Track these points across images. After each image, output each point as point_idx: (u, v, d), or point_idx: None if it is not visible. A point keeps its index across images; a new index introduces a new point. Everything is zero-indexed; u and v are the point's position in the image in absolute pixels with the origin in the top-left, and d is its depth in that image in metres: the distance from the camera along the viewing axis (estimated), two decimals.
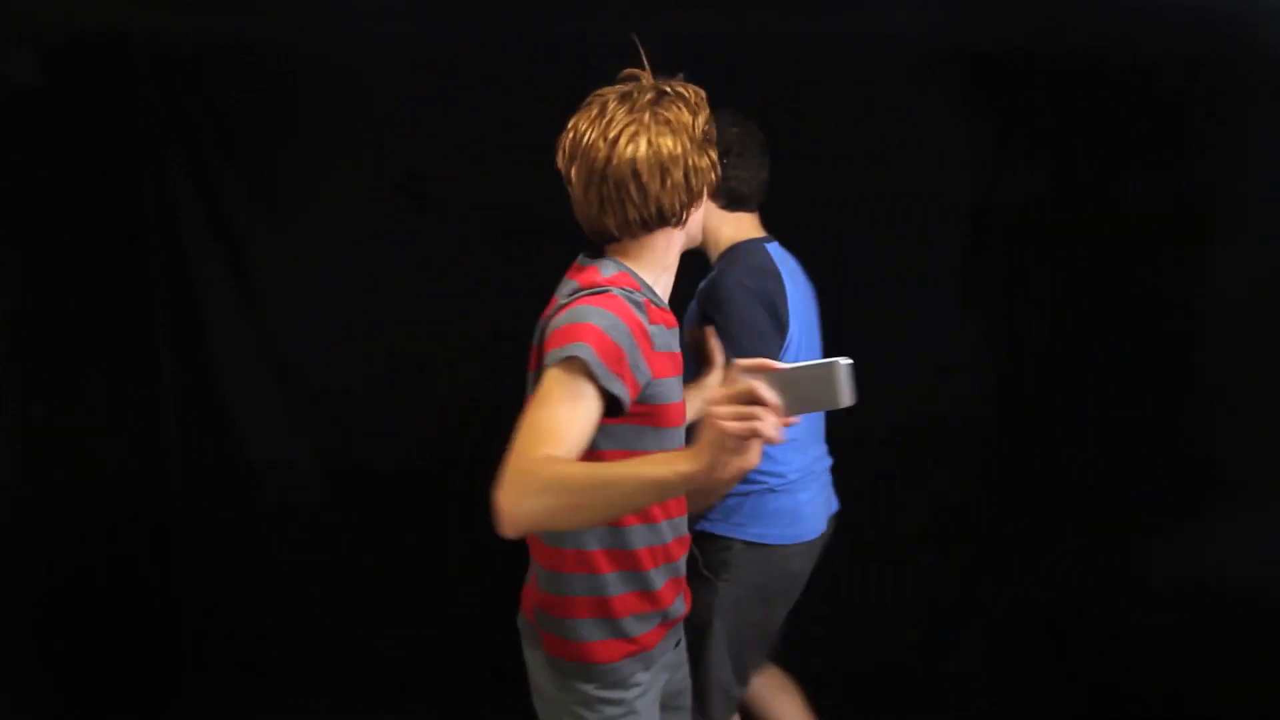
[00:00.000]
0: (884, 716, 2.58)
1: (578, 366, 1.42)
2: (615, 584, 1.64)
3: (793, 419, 1.21)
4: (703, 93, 1.58)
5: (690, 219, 1.62)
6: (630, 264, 1.61)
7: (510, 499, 1.33)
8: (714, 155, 1.59)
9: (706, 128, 1.57)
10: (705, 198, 1.62)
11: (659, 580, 1.65)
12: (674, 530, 1.67)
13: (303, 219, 2.59)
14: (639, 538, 1.63)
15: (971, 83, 2.40)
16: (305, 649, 2.75)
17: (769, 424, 1.18)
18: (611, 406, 1.46)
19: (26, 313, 2.50)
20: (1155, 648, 2.48)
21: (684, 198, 1.57)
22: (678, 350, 1.64)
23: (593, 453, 1.55)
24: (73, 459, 2.56)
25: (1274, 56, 2.22)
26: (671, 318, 1.65)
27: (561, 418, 1.40)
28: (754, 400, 1.19)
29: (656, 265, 1.62)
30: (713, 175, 1.60)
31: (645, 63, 1.58)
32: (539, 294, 1.63)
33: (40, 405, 2.51)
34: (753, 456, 1.21)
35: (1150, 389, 2.46)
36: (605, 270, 1.59)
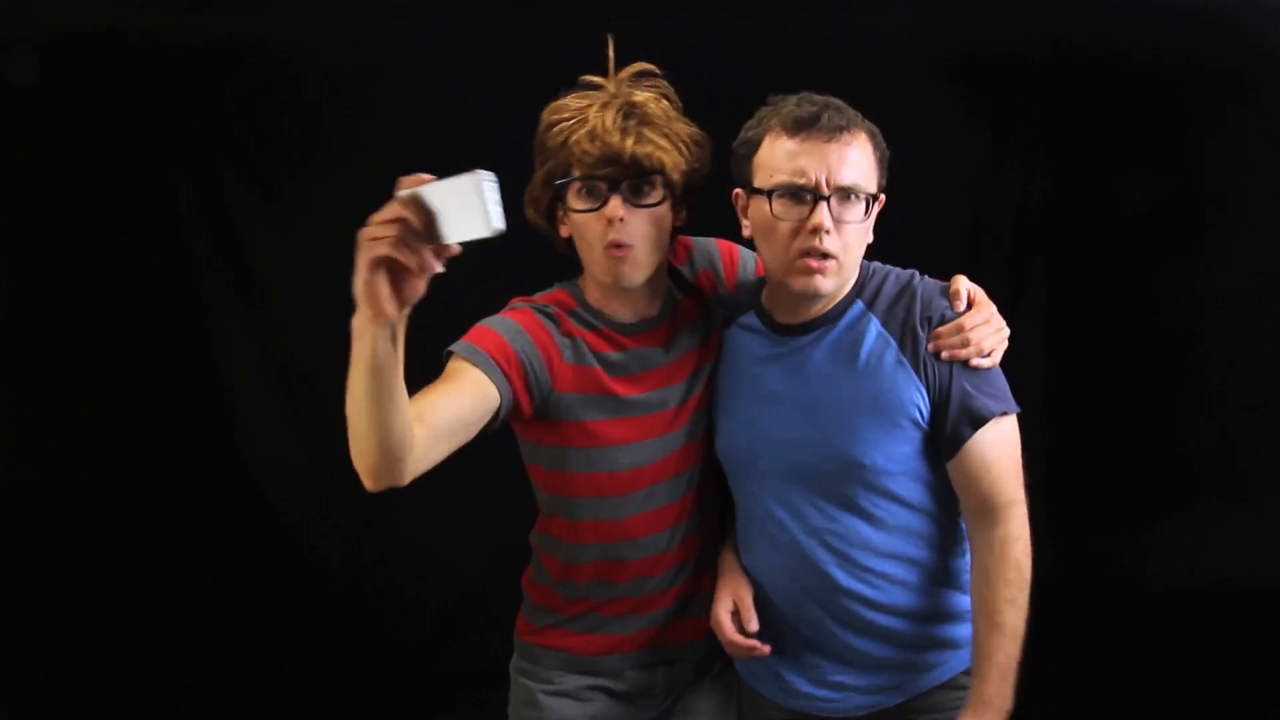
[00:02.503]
0: None
1: (454, 354, 1.46)
2: (538, 567, 1.68)
3: (451, 245, 1.11)
4: (558, 106, 1.50)
5: (573, 231, 1.52)
6: (581, 283, 1.60)
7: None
8: (541, 154, 1.52)
9: (539, 134, 1.51)
10: (561, 220, 1.54)
11: (568, 592, 1.64)
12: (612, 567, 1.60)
13: (304, 218, 2.59)
14: (557, 549, 1.64)
15: (971, 83, 2.40)
16: (306, 649, 2.75)
17: (400, 241, 1.09)
18: (513, 408, 1.46)
19: (26, 312, 2.50)
20: (1155, 648, 2.48)
21: (530, 209, 1.56)
22: (601, 370, 1.55)
23: (529, 467, 1.62)
24: (71, 459, 2.56)
25: (1274, 56, 2.23)
26: (616, 342, 1.56)
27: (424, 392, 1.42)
28: (394, 217, 1.10)
29: (592, 285, 1.57)
30: (536, 186, 1.53)
31: (610, 64, 1.53)
32: None
33: (40, 404, 2.51)
34: (414, 287, 1.13)
35: (1150, 388, 2.46)
36: (548, 290, 1.61)
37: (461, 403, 1.41)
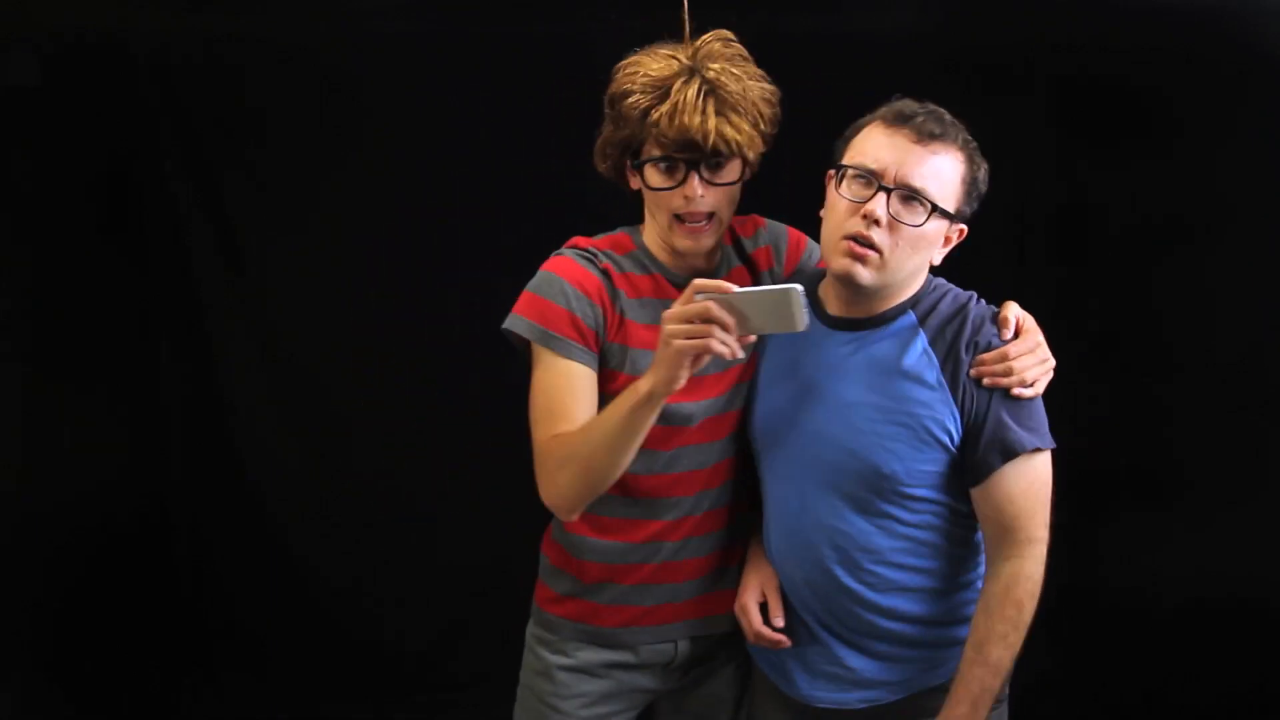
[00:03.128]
0: None
1: (524, 340, 1.50)
2: (556, 523, 1.68)
3: (751, 337, 1.32)
4: (634, 70, 1.50)
5: (643, 190, 1.56)
6: (644, 229, 1.62)
7: (544, 490, 1.46)
8: (616, 117, 1.53)
9: (613, 92, 1.53)
10: (626, 169, 1.58)
11: (585, 550, 1.62)
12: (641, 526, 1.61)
13: (304, 219, 2.59)
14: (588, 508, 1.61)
15: (971, 84, 2.40)
16: (307, 649, 2.75)
17: (719, 340, 1.27)
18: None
19: (26, 313, 2.49)
20: (1155, 648, 2.48)
21: (601, 163, 1.60)
22: (651, 322, 1.57)
23: None
24: (72, 459, 2.56)
25: (1274, 56, 2.23)
26: (665, 291, 1.58)
27: (544, 392, 1.48)
28: (706, 319, 1.27)
29: (653, 235, 1.60)
30: (609, 144, 1.56)
31: (685, 30, 1.55)
32: None
33: (40, 406, 2.51)
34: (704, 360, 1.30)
35: (1149, 389, 2.46)
36: (609, 233, 1.64)
37: (594, 400, 1.51)
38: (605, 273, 1.55)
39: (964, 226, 1.53)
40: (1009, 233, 2.52)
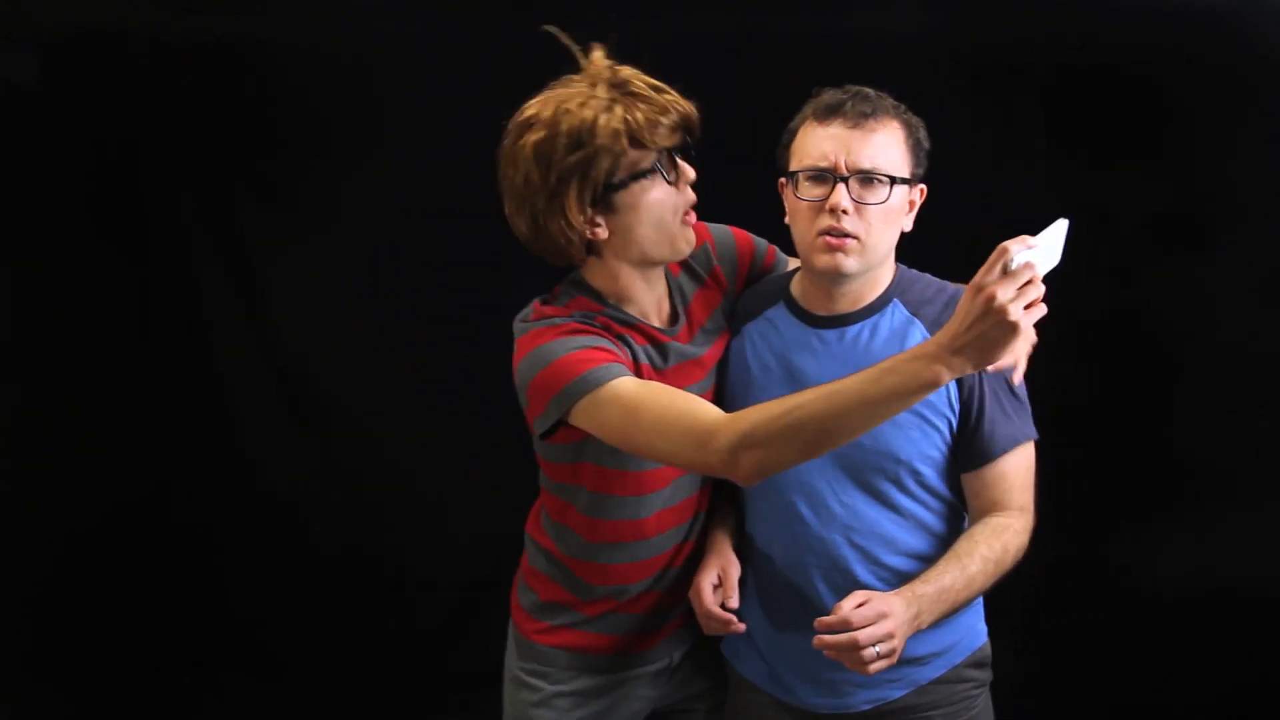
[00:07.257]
0: None
1: (590, 390, 1.33)
2: (551, 564, 1.62)
3: None
4: (573, 110, 1.39)
5: (605, 245, 1.45)
6: (595, 283, 1.51)
7: (744, 463, 1.24)
8: (586, 155, 1.38)
9: (572, 129, 1.38)
10: (594, 221, 1.44)
11: (589, 591, 1.59)
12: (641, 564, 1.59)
13: (305, 217, 2.59)
14: (580, 549, 1.58)
15: (971, 84, 2.40)
16: (307, 649, 2.75)
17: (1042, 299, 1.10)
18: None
19: (25, 315, 2.50)
20: (1155, 648, 2.48)
21: (562, 230, 1.43)
22: (680, 362, 1.54)
23: (577, 465, 1.50)
24: (71, 461, 2.56)
25: (1274, 56, 2.23)
26: (653, 338, 1.53)
27: (652, 413, 1.30)
28: (1031, 278, 1.12)
29: (625, 278, 1.50)
30: (576, 199, 1.40)
31: (578, 55, 1.47)
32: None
33: (39, 408, 2.52)
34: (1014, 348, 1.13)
35: (1148, 389, 2.46)
36: (561, 297, 1.50)
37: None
38: (605, 326, 1.45)
39: (923, 186, 1.58)
40: (1008, 232, 2.51)
